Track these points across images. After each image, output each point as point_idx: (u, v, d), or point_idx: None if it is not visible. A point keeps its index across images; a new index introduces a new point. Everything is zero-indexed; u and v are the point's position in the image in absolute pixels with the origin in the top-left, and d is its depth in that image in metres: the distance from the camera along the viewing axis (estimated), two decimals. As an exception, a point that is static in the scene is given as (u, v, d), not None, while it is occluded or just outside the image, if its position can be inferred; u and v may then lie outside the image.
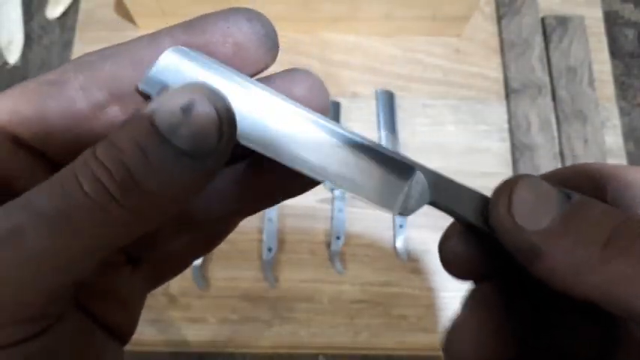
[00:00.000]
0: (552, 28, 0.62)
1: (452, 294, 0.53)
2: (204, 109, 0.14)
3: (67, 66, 0.16)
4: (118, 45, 0.16)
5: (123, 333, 0.19)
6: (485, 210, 0.17)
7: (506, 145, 0.58)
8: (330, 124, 0.16)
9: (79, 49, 0.61)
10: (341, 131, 0.16)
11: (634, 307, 0.14)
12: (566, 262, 0.15)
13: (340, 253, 0.53)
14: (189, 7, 0.57)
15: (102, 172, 0.13)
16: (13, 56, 0.63)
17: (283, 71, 0.17)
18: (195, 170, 0.14)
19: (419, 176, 0.16)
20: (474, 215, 0.17)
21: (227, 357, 0.52)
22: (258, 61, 0.17)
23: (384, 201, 0.16)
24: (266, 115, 0.16)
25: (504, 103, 0.59)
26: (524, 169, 0.56)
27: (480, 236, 0.17)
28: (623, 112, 0.61)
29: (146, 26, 0.61)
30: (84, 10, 0.63)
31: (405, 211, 0.16)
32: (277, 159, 0.16)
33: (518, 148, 0.57)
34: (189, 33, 0.16)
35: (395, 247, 0.54)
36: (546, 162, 0.56)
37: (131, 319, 0.19)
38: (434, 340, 0.51)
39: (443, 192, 0.17)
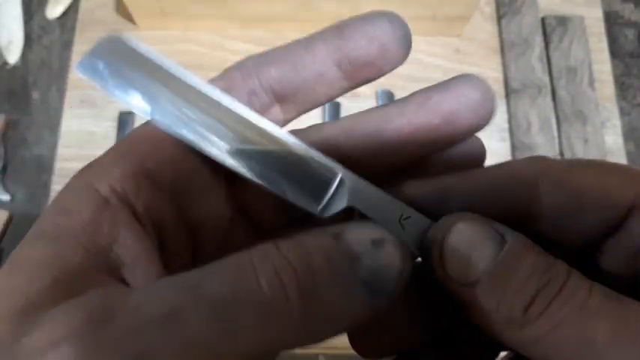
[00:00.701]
0: (552, 28, 0.62)
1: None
2: (394, 248, 0.14)
3: (233, 72, 0.17)
4: (276, 50, 0.18)
5: None
6: (404, 219, 0.17)
7: (506, 145, 0.58)
8: (256, 119, 0.17)
9: (79, 49, 0.61)
10: (266, 127, 0.17)
11: None
12: (491, 319, 0.15)
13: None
14: (189, 7, 0.57)
15: (286, 269, 0.13)
16: (13, 56, 0.63)
17: (456, 78, 0.18)
18: (366, 302, 0.14)
19: (341, 180, 0.17)
20: (394, 225, 0.17)
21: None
22: (398, 58, 0.18)
23: (305, 200, 0.17)
24: (186, 100, 0.17)
25: (504, 103, 0.59)
26: (524, 169, 0.56)
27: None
28: (623, 112, 0.61)
29: (146, 26, 0.61)
30: (84, 10, 0.63)
31: (325, 212, 0.17)
32: (196, 144, 0.17)
33: (518, 148, 0.57)
34: (341, 37, 0.17)
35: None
36: (546, 162, 0.56)
37: None
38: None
39: (363, 199, 0.17)
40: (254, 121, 0.17)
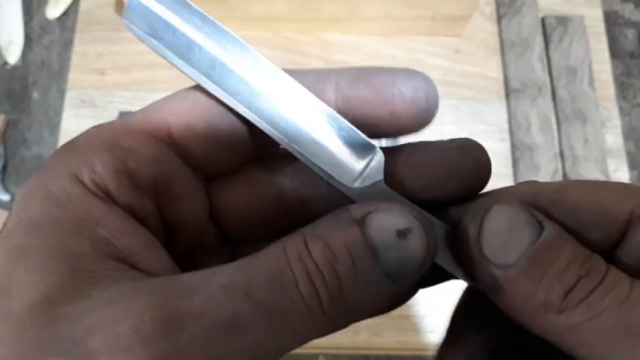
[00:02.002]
0: (552, 28, 0.62)
1: (453, 293, 0.52)
2: (419, 238, 0.14)
3: None
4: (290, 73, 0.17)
5: None
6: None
7: (506, 145, 0.58)
8: (296, 84, 0.16)
9: (79, 49, 0.61)
10: (307, 95, 0.16)
11: (585, 356, 0.14)
12: (526, 303, 0.15)
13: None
14: (189, 7, 0.57)
15: (317, 276, 0.14)
16: (13, 56, 0.63)
17: (460, 145, 0.17)
18: (390, 291, 0.14)
19: (377, 154, 0.16)
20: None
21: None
22: (409, 129, 0.17)
23: (339, 172, 0.16)
24: (236, 63, 0.16)
25: (504, 103, 0.59)
26: (524, 169, 0.56)
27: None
28: (623, 112, 0.61)
29: (146, 26, 0.61)
30: (84, 10, 0.63)
31: (359, 185, 0.16)
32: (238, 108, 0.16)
33: (518, 148, 0.57)
34: (354, 87, 0.16)
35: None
36: (546, 162, 0.56)
37: None
38: (434, 340, 0.51)
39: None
40: (296, 89, 0.16)
